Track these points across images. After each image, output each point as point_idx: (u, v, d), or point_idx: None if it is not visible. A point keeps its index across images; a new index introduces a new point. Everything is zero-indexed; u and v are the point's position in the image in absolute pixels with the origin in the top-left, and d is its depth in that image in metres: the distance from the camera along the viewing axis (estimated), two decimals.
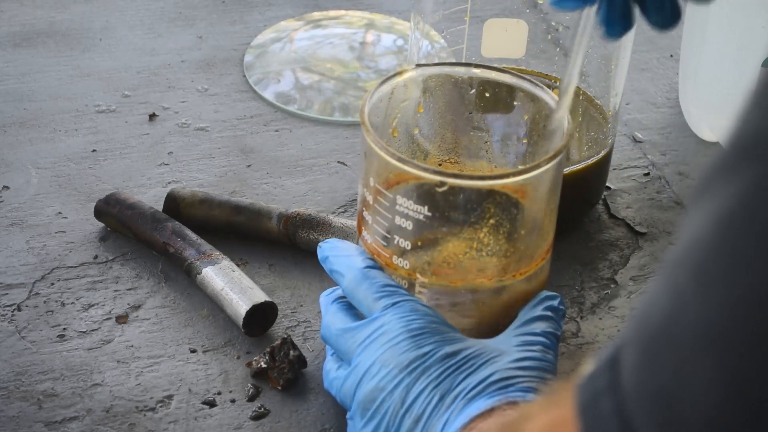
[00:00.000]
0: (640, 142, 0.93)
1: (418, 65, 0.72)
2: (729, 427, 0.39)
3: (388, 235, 0.67)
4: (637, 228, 0.85)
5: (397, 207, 0.65)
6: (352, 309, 0.68)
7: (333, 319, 0.67)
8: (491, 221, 0.66)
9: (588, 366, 0.46)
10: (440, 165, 0.75)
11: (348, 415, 0.65)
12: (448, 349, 0.63)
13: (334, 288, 0.70)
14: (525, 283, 0.68)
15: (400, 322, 0.63)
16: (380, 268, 0.67)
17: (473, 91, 0.73)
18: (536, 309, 0.67)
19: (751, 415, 0.39)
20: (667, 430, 0.41)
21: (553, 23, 0.86)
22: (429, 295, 0.67)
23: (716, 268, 0.39)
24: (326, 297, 0.69)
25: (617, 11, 0.61)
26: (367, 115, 0.67)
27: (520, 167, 0.65)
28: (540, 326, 0.66)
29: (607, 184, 0.87)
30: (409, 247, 0.66)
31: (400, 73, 0.71)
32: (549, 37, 0.85)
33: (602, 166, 0.83)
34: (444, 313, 0.67)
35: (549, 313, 0.67)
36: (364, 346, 0.64)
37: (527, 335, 0.65)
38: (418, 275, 0.66)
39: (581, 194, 0.83)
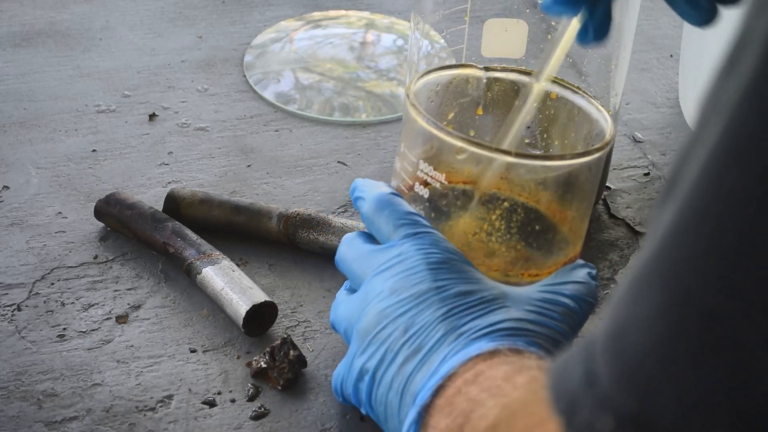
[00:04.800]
0: (640, 142, 0.93)
1: (487, 68, 0.72)
2: (672, 355, 0.41)
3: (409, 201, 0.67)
4: (637, 228, 0.85)
5: (419, 173, 0.65)
6: (371, 238, 0.66)
7: (350, 243, 0.66)
8: (505, 204, 0.65)
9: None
10: None
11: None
12: (464, 287, 0.61)
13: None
14: None
15: (419, 254, 0.62)
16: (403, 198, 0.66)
17: (536, 104, 0.72)
18: (575, 272, 0.65)
19: (694, 342, 0.40)
20: (620, 366, 0.42)
21: (553, 23, 0.86)
22: None
23: (663, 205, 0.42)
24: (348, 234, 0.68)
25: (597, 21, 0.64)
26: (413, 91, 0.67)
27: (543, 153, 0.65)
28: (571, 289, 0.64)
29: (607, 184, 0.87)
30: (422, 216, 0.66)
31: (463, 66, 0.70)
32: (549, 37, 0.84)
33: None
34: None
35: (587, 280, 0.65)
36: (378, 272, 0.63)
37: (553, 294, 0.63)
38: None
39: None
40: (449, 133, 0.64)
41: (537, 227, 0.66)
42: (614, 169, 0.89)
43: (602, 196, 0.86)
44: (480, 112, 0.73)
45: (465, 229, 0.66)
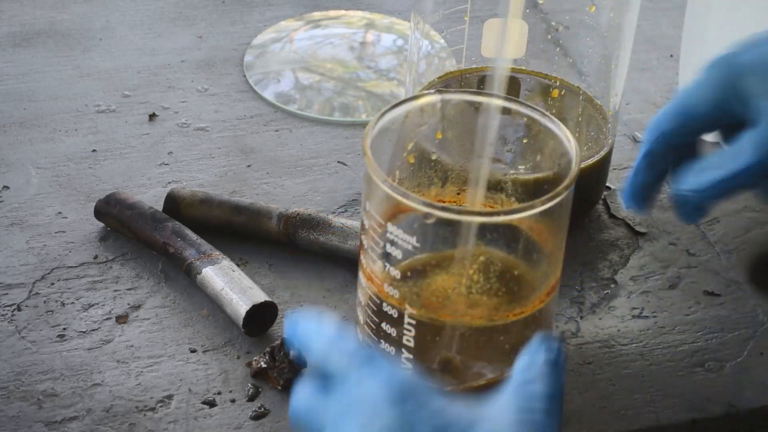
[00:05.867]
0: (640, 142, 0.93)
1: (439, 90, 0.70)
2: None
3: (380, 262, 0.65)
4: (637, 228, 0.85)
5: (388, 234, 0.63)
6: (325, 379, 0.60)
7: (303, 392, 0.60)
8: (480, 258, 0.64)
9: None
10: (459, 194, 0.72)
11: None
12: (438, 420, 0.56)
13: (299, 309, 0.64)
14: (522, 324, 0.65)
15: (381, 391, 0.57)
16: (350, 330, 0.60)
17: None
18: (536, 362, 0.59)
19: None
20: None
21: (553, 23, 0.86)
22: (418, 329, 0.65)
23: None
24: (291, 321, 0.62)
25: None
26: (369, 140, 0.64)
27: (512, 206, 0.64)
28: (541, 382, 0.58)
29: (607, 184, 0.87)
30: (398, 276, 0.64)
31: (416, 98, 0.67)
32: (549, 37, 0.85)
33: (602, 166, 0.83)
34: (434, 350, 0.65)
35: (553, 358, 0.59)
36: (342, 414, 0.58)
37: (527, 399, 0.58)
38: (407, 306, 0.64)
39: (581, 194, 0.83)
40: (413, 199, 0.61)
41: (515, 272, 0.65)
42: (614, 169, 0.89)
43: (602, 196, 0.87)
44: (439, 135, 0.72)
45: (443, 284, 0.65)
